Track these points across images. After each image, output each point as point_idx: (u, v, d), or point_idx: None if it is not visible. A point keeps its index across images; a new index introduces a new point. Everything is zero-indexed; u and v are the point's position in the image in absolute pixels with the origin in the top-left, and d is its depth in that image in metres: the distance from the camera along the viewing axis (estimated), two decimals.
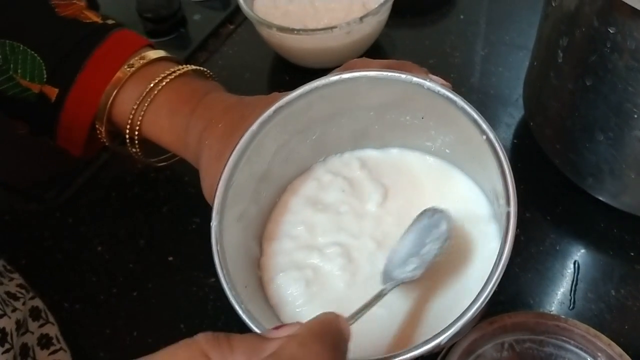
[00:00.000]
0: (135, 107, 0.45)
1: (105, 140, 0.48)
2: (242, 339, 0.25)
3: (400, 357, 0.31)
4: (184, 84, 0.46)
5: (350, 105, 0.41)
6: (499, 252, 0.32)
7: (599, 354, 0.41)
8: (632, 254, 0.48)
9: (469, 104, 0.36)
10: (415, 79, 0.37)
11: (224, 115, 0.43)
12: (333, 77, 0.38)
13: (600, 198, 0.48)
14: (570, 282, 0.47)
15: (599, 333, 0.41)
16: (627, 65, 0.38)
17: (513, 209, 0.33)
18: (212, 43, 0.68)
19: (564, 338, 0.42)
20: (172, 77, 0.46)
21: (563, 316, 0.42)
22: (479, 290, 0.32)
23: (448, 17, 0.67)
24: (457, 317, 0.32)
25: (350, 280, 0.40)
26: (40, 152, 0.56)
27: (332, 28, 0.56)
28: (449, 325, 0.31)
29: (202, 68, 0.49)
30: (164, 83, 0.45)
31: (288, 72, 0.64)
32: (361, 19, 0.56)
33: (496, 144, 0.35)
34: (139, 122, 0.45)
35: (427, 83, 0.37)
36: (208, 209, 0.43)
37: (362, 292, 0.38)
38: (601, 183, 0.47)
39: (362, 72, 0.38)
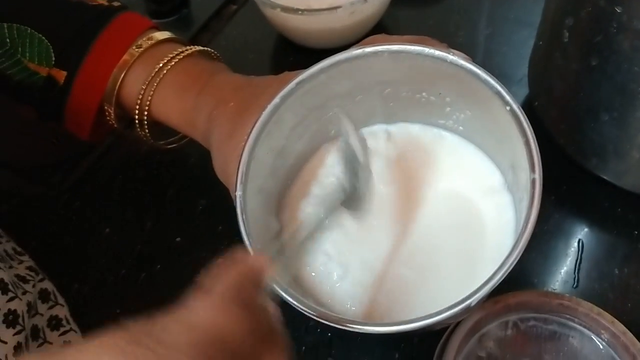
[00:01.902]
0: (144, 87, 0.45)
1: (114, 122, 0.48)
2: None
3: (433, 319, 0.32)
4: (192, 64, 0.46)
5: (368, 82, 0.42)
6: (525, 218, 0.33)
7: (602, 332, 0.41)
8: (636, 232, 0.48)
9: (492, 76, 0.36)
10: (438, 52, 0.37)
11: (235, 94, 0.43)
12: (355, 51, 0.39)
13: (605, 177, 0.49)
14: (573, 261, 0.48)
15: (602, 311, 0.42)
16: (633, 45, 0.38)
17: (538, 176, 0.34)
18: (215, 24, 0.68)
19: (568, 316, 0.42)
20: (180, 57, 0.46)
21: (567, 295, 0.43)
22: (496, 259, 0.33)
23: None
24: (486, 280, 0.32)
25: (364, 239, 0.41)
26: (45, 136, 0.56)
27: (336, 8, 0.56)
28: (478, 288, 0.32)
29: (208, 49, 0.49)
30: (172, 63, 0.45)
31: (291, 53, 0.64)
32: None
33: (520, 114, 0.35)
34: (147, 103, 0.46)
35: (450, 56, 0.37)
36: (213, 190, 0.44)
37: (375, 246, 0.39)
38: (605, 163, 0.47)
39: (384, 45, 0.38)
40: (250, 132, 0.37)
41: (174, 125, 0.47)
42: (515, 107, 0.36)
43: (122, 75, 0.45)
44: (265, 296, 0.27)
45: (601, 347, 0.41)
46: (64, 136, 0.50)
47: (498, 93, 0.36)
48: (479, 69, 0.37)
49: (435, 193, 0.42)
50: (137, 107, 0.46)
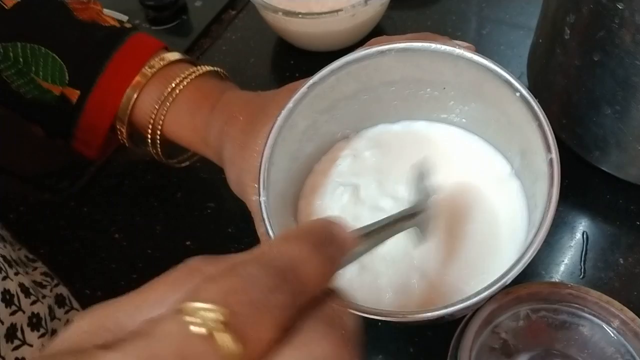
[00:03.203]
0: (157, 106, 0.46)
1: (125, 141, 0.49)
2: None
3: (466, 303, 0.33)
4: (203, 83, 0.47)
5: (373, 82, 0.42)
6: (547, 197, 0.35)
7: (612, 319, 0.42)
8: (638, 223, 0.50)
9: (499, 65, 0.37)
10: (444, 47, 0.38)
11: (244, 108, 0.44)
12: (363, 52, 0.39)
13: (607, 170, 0.50)
14: (579, 253, 0.49)
15: (611, 299, 0.42)
16: (635, 39, 0.39)
17: (555, 155, 0.35)
18: (215, 29, 0.69)
19: (578, 305, 0.43)
20: (192, 77, 0.47)
21: (576, 284, 0.44)
22: (511, 246, 0.34)
23: None
24: (518, 258, 0.34)
25: None
26: (52, 143, 0.57)
27: (337, 11, 0.57)
28: (509, 269, 0.33)
29: (218, 69, 0.50)
30: (184, 83, 0.46)
31: (292, 56, 0.65)
32: (366, 1, 0.57)
33: (530, 99, 0.37)
34: (160, 122, 0.46)
35: (457, 50, 0.38)
36: (222, 193, 0.44)
37: None
38: (607, 156, 0.49)
39: (390, 44, 0.39)
40: (268, 137, 0.38)
41: (187, 143, 0.48)
42: (525, 92, 0.37)
43: (136, 95, 0.46)
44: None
45: (611, 334, 0.42)
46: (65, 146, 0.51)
47: (507, 81, 0.37)
48: (486, 60, 0.38)
49: (446, 187, 0.43)
50: (150, 126, 0.47)
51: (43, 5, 0.47)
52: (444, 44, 0.38)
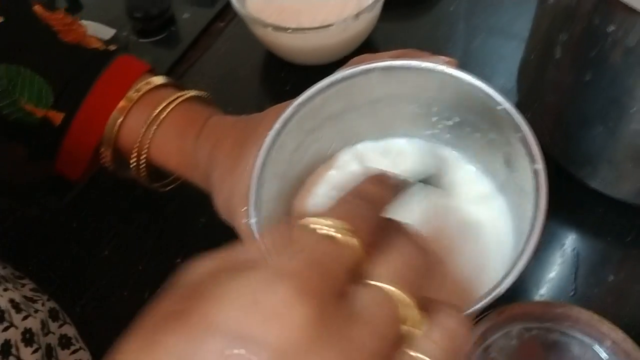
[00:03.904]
0: (143, 130, 0.46)
1: (109, 164, 0.48)
2: None
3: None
4: (189, 107, 0.47)
5: (358, 101, 0.42)
6: (535, 205, 0.35)
7: (604, 339, 0.43)
8: (629, 239, 0.50)
9: (480, 79, 0.38)
10: (426, 64, 0.39)
11: (231, 131, 0.44)
12: (348, 71, 0.39)
13: (597, 188, 0.50)
14: (570, 269, 0.49)
15: (602, 319, 0.43)
16: (627, 60, 0.40)
17: (541, 165, 0.35)
18: (203, 41, 0.68)
19: (570, 324, 0.43)
20: (179, 101, 0.46)
21: (568, 303, 0.44)
22: (498, 264, 0.34)
23: (438, 9, 0.68)
24: (507, 272, 0.33)
25: None
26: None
27: (328, 26, 0.57)
28: (505, 275, 0.33)
29: (203, 93, 0.49)
30: (171, 107, 0.46)
31: (281, 69, 0.65)
32: (357, 15, 0.57)
33: (513, 111, 0.37)
34: (146, 146, 0.46)
35: (440, 66, 0.38)
36: (213, 207, 0.44)
37: None
38: (598, 173, 0.49)
39: (375, 63, 0.39)
40: (256, 159, 0.38)
41: (173, 167, 0.48)
42: (507, 105, 0.37)
43: (121, 119, 0.46)
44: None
45: (603, 354, 0.42)
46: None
47: (490, 95, 0.37)
48: (469, 75, 0.38)
49: (429, 206, 0.43)
50: (136, 149, 0.46)
51: (28, 27, 0.47)
52: (426, 61, 0.39)
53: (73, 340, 0.45)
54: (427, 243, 0.26)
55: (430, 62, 0.38)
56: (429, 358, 0.22)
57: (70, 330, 0.45)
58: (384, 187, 0.27)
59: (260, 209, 0.37)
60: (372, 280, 0.22)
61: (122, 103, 0.46)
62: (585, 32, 0.41)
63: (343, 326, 0.20)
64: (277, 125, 0.39)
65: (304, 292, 0.19)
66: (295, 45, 0.60)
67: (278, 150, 0.39)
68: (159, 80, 0.48)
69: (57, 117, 0.46)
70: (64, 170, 0.49)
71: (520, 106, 0.56)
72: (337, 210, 0.23)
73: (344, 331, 0.20)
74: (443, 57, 0.39)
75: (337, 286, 0.21)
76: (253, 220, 0.36)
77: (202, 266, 0.22)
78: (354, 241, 0.22)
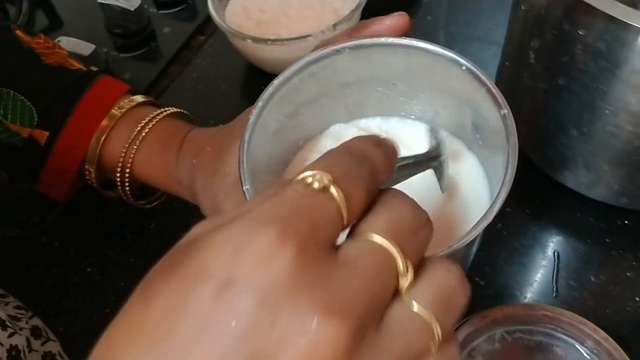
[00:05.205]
0: (126, 146, 0.46)
1: (94, 182, 0.49)
2: None
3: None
4: (170, 123, 0.48)
5: (332, 84, 0.44)
6: (509, 145, 0.36)
7: (586, 340, 0.43)
8: (608, 240, 0.50)
9: (443, 47, 0.39)
10: (392, 39, 0.40)
11: (210, 140, 0.44)
12: (320, 52, 0.41)
13: (576, 190, 0.51)
14: (551, 272, 0.49)
15: (584, 320, 0.43)
16: (598, 65, 0.40)
17: (507, 110, 0.37)
18: (185, 55, 0.69)
19: (552, 326, 0.44)
20: (160, 117, 0.47)
21: (550, 306, 0.44)
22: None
23: (415, 19, 0.69)
24: (488, 210, 0.34)
25: None
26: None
27: (306, 37, 0.57)
28: (480, 219, 0.34)
29: (182, 110, 0.50)
30: (153, 123, 0.47)
31: (263, 81, 0.63)
32: (334, 26, 0.57)
33: (475, 69, 0.38)
34: (130, 162, 0.46)
35: (405, 40, 0.40)
36: (196, 224, 0.44)
37: None
38: (576, 175, 0.49)
39: (343, 43, 0.41)
40: (244, 133, 0.38)
41: (157, 183, 0.48)
42: (470, 65, 0.38)
43: (105, 136, 0.46)
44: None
45: (585, 354, 0.43)
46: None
47: (453, 59, 0.39)
48: (431, 44, 0.39)
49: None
50: (120, 165, 0.47)
51: (11, 51, 0.47)
52: (390, 37, 0.40)
53: (57, 357, 0.45)
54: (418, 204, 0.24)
55: (395, 37, 0.40)
56: (423, 308, 0.22)
57: (54, 347, 0.45)
58: (382, 152, 0.25)
59: (252, 179, 0.37)
60: (361, 233, 0.22)
61: (104, 121, 0.46)
62: (556, 37, 0.42)
63: (331, 269, 0.20)
64: (260, 104, 0.40)
65: (286, 237, 0.19)
66: (275, 57, 0.61)
67: (261, 129, 0.40)
68: (139, 98, 0.49)
69: (42, 135, 0.46)
70: (46, 190, 0.49)
71: None
72: (334, 168, 0.22)
73: (332, 274, 0.20)
74: (392, 15, 0.42)
75: (321, 235, 0.21)
76: (247, 187, 0.37)
77: (199, 226, 0.22)
78: (340, 194, 0.21)
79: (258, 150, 0.40)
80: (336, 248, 0.22)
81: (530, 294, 0.49)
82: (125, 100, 0.48)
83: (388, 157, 0.25)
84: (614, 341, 0.42)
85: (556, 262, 0.50)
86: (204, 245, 0.20)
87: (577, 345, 0.43)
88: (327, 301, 0.19)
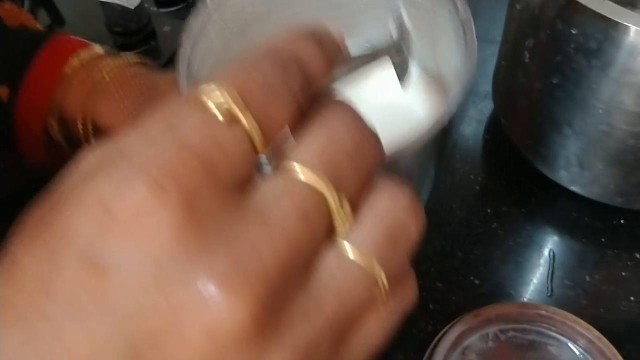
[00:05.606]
0: (88, 95, 0.46)
1: (59, 138, 0.48)
2: None
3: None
4: (134, 71, 0.48)
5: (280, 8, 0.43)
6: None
7: (579, 338, 0.43)
8: (603, 239, 0.50)
9: None
10: None
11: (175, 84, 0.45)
12: None
13: (571, 189, 0.51)
14: (546, 271, 0.49)
15: (577, 318, 0.43)
16: (591, 64, 0.40)
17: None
18: None
19: (546, 325, 0.44)
20: (121, 66, 0.47)
21: (543, 304, 0.44)
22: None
23: None
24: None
25: None
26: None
27: None
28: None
29: (143, 58, 0.50)
30: (114, 72, 0.46)
31: None
32: None
33: None
34: (91, 111, 0.46)
35: None
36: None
37: None
38: (571, 174, 0.49)
39: None
40: (183, 40, 0.38)
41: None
42: None
43: (65, 86, 0.46)
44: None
45: (578, 353, 0.43)
46: (14, 163, 0.50)
47: None
48: None
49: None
50: (81, 116, 0.46)
51: None
52: None
53: None
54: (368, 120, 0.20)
55: None
56: (362, 252, 0.18)
57: None
58: (319, 52, 0.20)
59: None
60: (283, 166, 0.18)
61: (65, 72, 0.46)
62: (550, 36, 0.42)
63: (234, 222, 0.16)
64: (203, 12, 0.39)
65: (164, 191, 0.15)
66: None
67: (204, 40, 0.39)
68: (99, 49, 0.48)
69: (3, 91, 0.46)
70: (26, 153, 0.49)
71: (496, 111, 0.57)
72: (233, 78, 0.18)
73: (234, 229, 0.16)
74: None
75: (222, 180, 0.17)
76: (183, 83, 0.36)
77: (91, 158, 0.17)
78: (250, 121, 0.17)
79: (202, 56, 0.39)
80: (255, 185, 0.18)
81: (524, 293, 0.49)
82: (85, 52, 0.47)
83: (327, 57, 0.20)
84: (606, 340, 0.42)
85: (551, 261, 0.50)
86: (72, 200, 0.16)
87: (570, 344, 0.43)
88: (227, 267, 0.16)
